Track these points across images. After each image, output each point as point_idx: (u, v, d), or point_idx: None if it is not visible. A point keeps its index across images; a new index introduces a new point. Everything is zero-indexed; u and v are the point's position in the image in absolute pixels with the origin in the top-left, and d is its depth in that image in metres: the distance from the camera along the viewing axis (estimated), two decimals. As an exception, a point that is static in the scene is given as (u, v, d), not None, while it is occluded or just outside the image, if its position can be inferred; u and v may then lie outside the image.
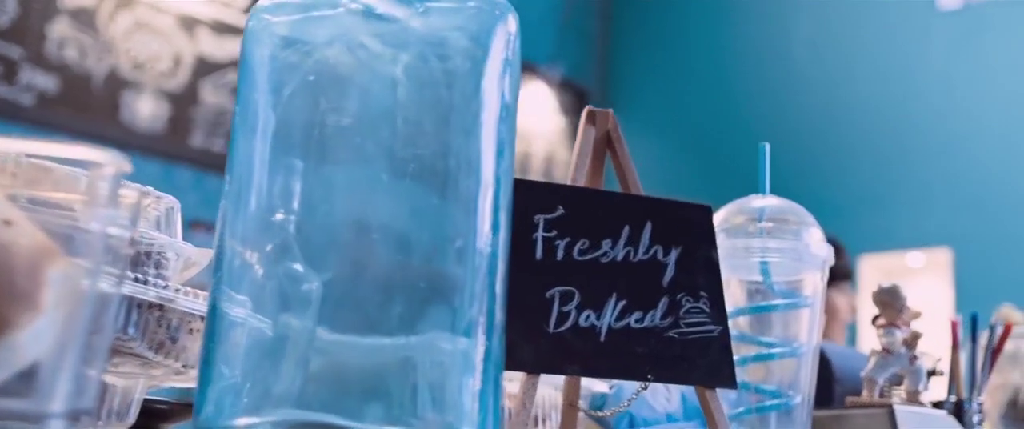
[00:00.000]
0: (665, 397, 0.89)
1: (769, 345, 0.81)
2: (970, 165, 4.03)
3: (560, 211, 0.71)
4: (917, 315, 0.95)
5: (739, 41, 4.87)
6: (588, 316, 0.68)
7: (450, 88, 0.56)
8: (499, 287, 0.56)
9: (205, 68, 3.85)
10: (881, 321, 0.93)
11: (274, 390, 0.54)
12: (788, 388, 0.81)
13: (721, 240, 0.82)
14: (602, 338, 0.68)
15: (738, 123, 4.74)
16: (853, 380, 1.23)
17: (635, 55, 5.13)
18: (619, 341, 0.68)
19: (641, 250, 0.72)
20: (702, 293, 0.72)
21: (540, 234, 0.70)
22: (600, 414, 0.75)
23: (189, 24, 3.84)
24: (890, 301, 0.91)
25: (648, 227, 0.73)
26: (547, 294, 0.68)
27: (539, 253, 0.69)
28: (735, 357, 0.80)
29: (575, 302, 0.68)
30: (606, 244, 0.71)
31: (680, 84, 4.94)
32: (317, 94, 0.57)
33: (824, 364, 1.17)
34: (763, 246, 0.81)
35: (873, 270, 4.20)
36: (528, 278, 0.68)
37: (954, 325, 1.13)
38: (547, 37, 4.89)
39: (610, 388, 0.87)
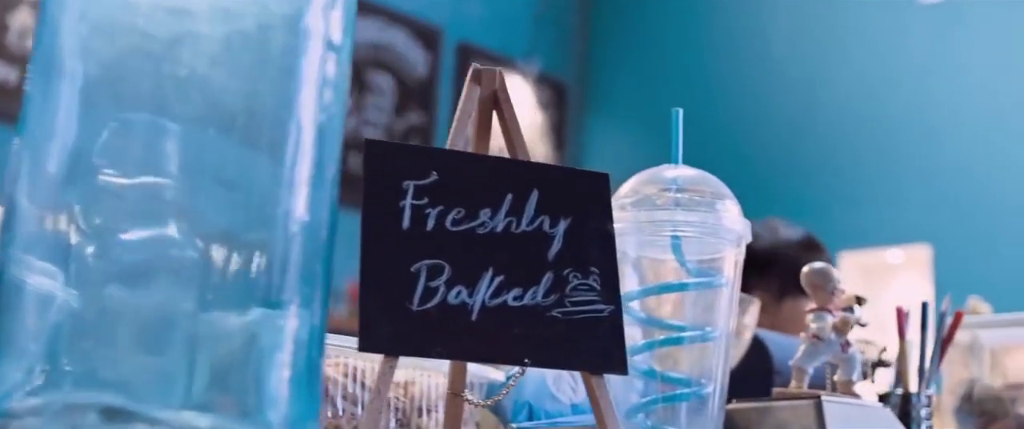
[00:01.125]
0: (570, 386, 0.82)
1: (679, 329, 0.74)
2: (949, 161, 3.97)
3: (433, 177, 0.64)
4: (853, 300, 0.88)
5: (718, 36, 4.80)
6: (459, 293, 0.61)
7: (263, 26, 0.49)
8: (321, 255, 0.49)
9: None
10: (811, 305, 0.85)
11: (62, 368, 0.47)
12: (700, 376, 0.73)
13: (628, 213, 0.75)
14: (474, 317, 0.61)
15: (717, 119, 4.67)
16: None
17: (614, 50, 5.06)
18: (493, 321, 0.61)
19: (525, 221, 0.65)
20: (593, 269, 0.65)
21: (409, 202, 0.63)
22: (483, 403, 0.67)
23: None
24: (821, 284, 0.84)
25: (534, 196, 0.66)
26: (412, 268, 0.61)
27: (406, 222, 0.62)
28: (641, 342, 0.73)
29: (445, 277, 0.61)
30: (484, 214, 0.64)
31: (659, 79, 4.87)
32: (120, 37, 0.49)
33: (762, 353, 1.10)
34: (674, 219, 0.74)
35: (852, 267, 4.14)
36: (391, 250, 0.61)
37: (900, 313, 1.06)
38: (524, 32, 4.82)
39: (507, 376, 0.80)
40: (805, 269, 0.85)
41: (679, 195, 0.75)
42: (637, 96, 4.96)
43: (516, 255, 0.63)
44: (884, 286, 4.03)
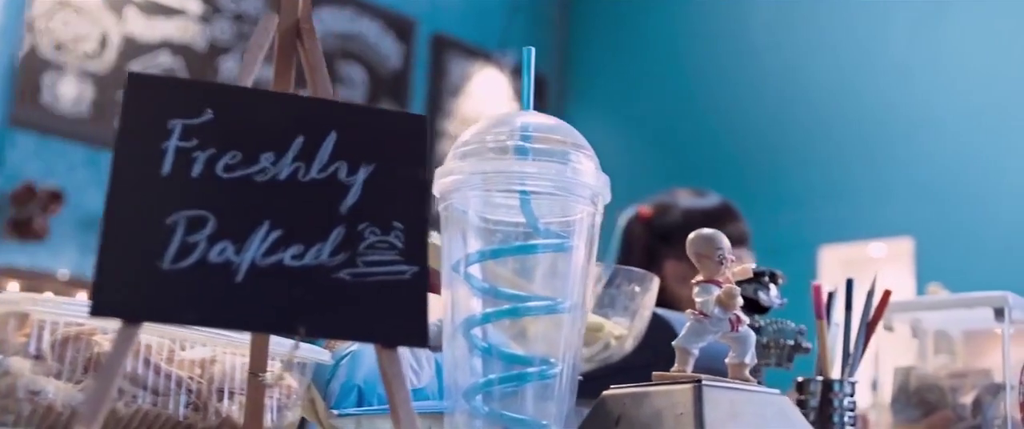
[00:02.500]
0: (413, 368, 0.72)
1: (523, 299, 0.64)
2: (931, 153, 3.87)
3: (207, 116, 0.54)
4: (747, 272, 0.78)
5: (698, 28, 4.70)
6: (223, 250, 0.51)
7: None
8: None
9: (134, 49, 3.67)
10: (697, 277, 0.75)
11: None
12: (547, 354, 0.64)
13: (468, 164, 0.65)
14: (239, 278, 0.51)
15: (697, 111, 4.57)
16: (707, 356, 1.06)
17: (594, 42, 4.96)
18: (264, 283, 0.51)
19: (316, 167, 0.55)
20: (396, 224, 0.55)
21: (173, 143, 0.53)
22: (272, 383, 0.58)
23: (117, 4, 3.66)
24: (706, 252, 0.74)
25: (331, 139, 0.56)
26: (168, 220, 0.51)
27: (167, 167, 0.52)
28: (478, 312, 0.64)
29: (207, 231, 0.51)
30: (266, 159, 0.54)
31: (639, 71, 4.78)
32: None
33: (664, 335, 0.99)
34: (522, 171, 0.64)
35: (834, 261, 4.03)
36: (145, 199, 0.52)
37: (818, 292, 0.96)
38: (501, 23, 4.72)
39: (332, 355, 0.70)
40: (690, 236, 0.75)
41: (527, 144, 0.65)
42: (618, 88, 4.86)
43: (301, 207, 0.54)
44: (866, 280, 3.93)
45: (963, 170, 3.79)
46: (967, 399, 1.08)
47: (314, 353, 0.67)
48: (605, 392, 0.77)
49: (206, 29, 3.85)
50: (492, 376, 0.63)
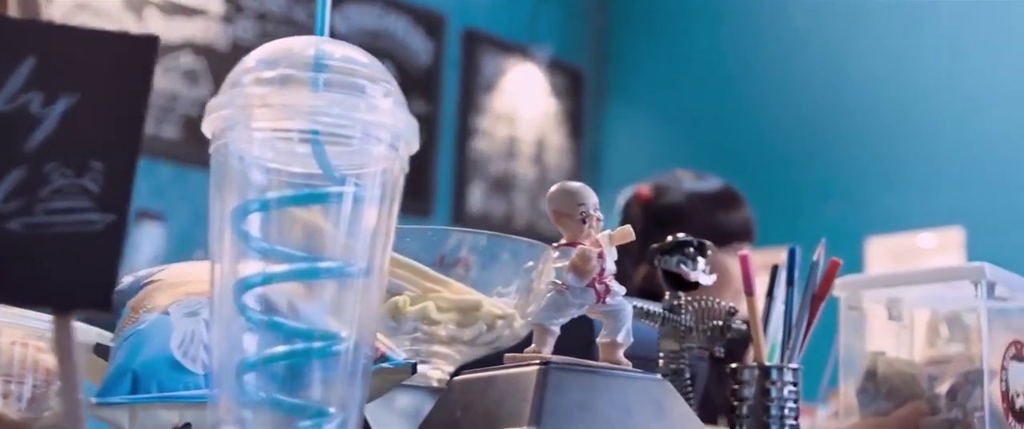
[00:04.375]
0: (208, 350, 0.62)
1: (305, 260, 0.53)
2: (983, 139, 3.66)
3: None
4: (627, 234, 0.66)
5: (739, 14, 4.54)
6: None
7: None
8: None
9: (155, 51, 3.63)
10: (560, 242, 0.64)
11: None
12: (332, 327, 0.53)
13: (244, 96, 0.55)
14: None
15: (739, 100, 4.41)
16: (640, 343, 0.95)
17: (632, 33, 4.82)
18: (-99, 234, 0.42)
19: (3, 98, 0.45)
20: (95, 165, 0.45)
21: None
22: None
23: (137, 5, 3.63)
24: (566, 210, 0.63)
25: (27, 65, 0.46)
26: None
27: None
28: (252, 275, 0.53)
29: None
30: (-66, 87, 0.44)
31: (679, 62, 4.63)
32: None
33: (582, 319, 0.88)
34: (312, 106, 0.54)
35: (882, 253, 3.84)
36: None
37: (745, 261, 0.84)
38: (534, 16, 4.61)
39: (122, 334, 0.60)
40: (549, 191, 0.64)
41: (321, 75, 0.54)
42: (658, 80, 4.72)
43: (-32, 143, 0.44)
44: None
45: (1018, 156, 3.58)
46: (944, 388, 0.94)
47: (82, 331, 0.57)
48: (455, 378, 0.67)
49: (229, 29, 3.80)
50: (266, 352, 0.52)
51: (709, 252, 0.84)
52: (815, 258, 0.86)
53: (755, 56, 4.42)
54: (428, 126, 4.28)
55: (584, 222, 0.63)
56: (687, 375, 0.83)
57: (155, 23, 3.65)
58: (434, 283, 0.78)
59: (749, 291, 0.83)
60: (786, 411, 0.84)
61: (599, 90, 4.86)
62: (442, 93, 4.35)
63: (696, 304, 0.83)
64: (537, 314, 0.63)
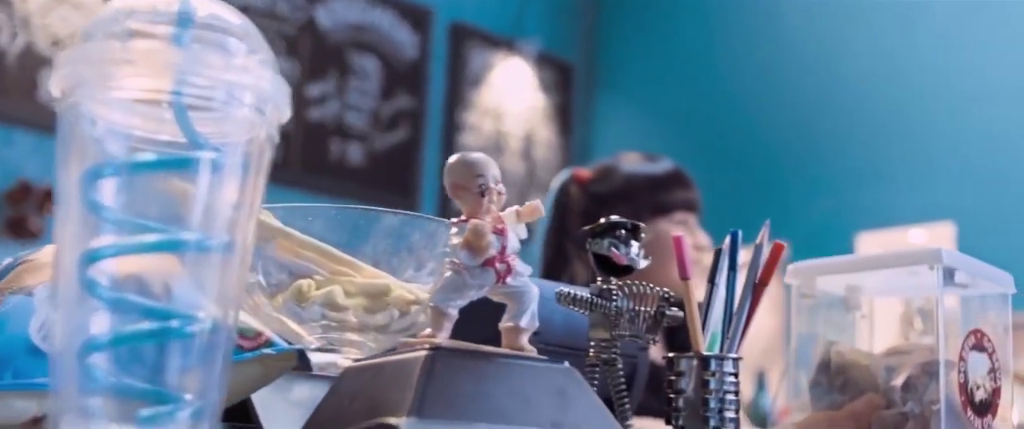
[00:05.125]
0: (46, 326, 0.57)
1: (156, 231, 0.48)
2: (975, 133, 3.61)
3: None
4: (538, 210, 0.61)
5: (730, 8, 4.48)
6: None
7: None
8: None
9: (135, 44, 3.58)
10: (458, 218, 0.59)
11: None
12: (188, 307, 0.48)
13: (96, 51, 0.50)
14: None
15: (729, 97, 4.36)
16: (567, 327, 0.90)
17: (622, 28, 4.77)
18: None
19: None
20: None
21: None
22: None
23: (117, -2, 3.58)
24: (463, 182, 0.58)
25: None
26: None
27: None
28: (98, 247, 0.48)
29: None
30: None
31: (670, 57, 4.58)
32: None
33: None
34: (174, 63, 0.49)
35: (872, 248, 3.79)
36: None
37: (679, 243, 0.78)
38: (522, 10, 4.56)
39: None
40: (448, 161, 0.59)
41: (184, 30, 0.49)
42: (648, 74, 4.67)
43: None
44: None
45: (1009, 151, 3.52)
46: (899, 380, 0.89)
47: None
48: (348, 366, 0.62)
49: (211, 22, 3.75)
50: (112, 333, 0.47)
51: (643, 235, 0.79)
52: (758, 241, 0.81)
53: (746, 51, 4.37)
54: (414, 121, 4.23)
55: (483, 195, 0.57)
56: (619, 366, 0.78)
57: (135, 16, 3.60)
58: (344, 266, 0.73)
59: (684, 275, 0.78)
60: (726, 404, 0.78)
61: (589, 85, 4.81)
62: (428, 88, 4.30)
63: (628, 289, 0.78)
64: (433, 296, 0.58)
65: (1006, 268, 3.06)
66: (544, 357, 0.58)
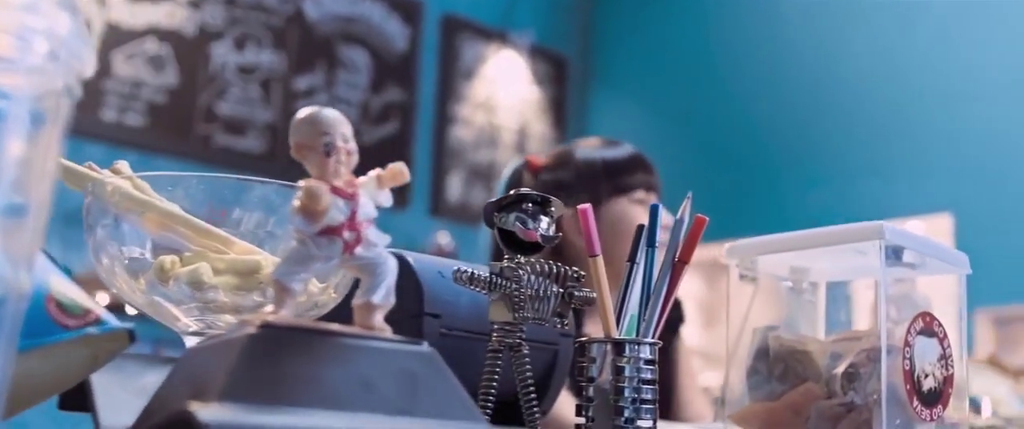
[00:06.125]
0: None
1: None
2: (972, 125, 3.53)
3: None
4: (402, 174, 0.55)
5: (726, 3, 4.41)
6: None
7: None
8: None
9: (118, 36, 3.54)
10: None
11: None
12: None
13: None
14: None
15: (725, 90, 4.29)
16: (475, 310, 0.84)
17: (618, 21, 4.70)
18: None
19: None
20: None
21: None
22: None
23: (101, -10, 3.54)
24: (308, 141, 0.51)
25: None
26: None
27: None
28: None
29: None
30: None
31: (666, 50, 4.50)
32: None
33: (411, 284, 0.76)
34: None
35: (869, 243, 3.71)
36: None
37: (584, 214, 0.72)
38: (516, 2, 4.49)
39: None
40: (293, 119, 0.53)
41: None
42: (644, 68, 4.59)
43: None
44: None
45: (1006, 143, 3.44)
46: (841, 368, 0.82)
47: None
48: (190, 346, 0.55)
49: (196, 14, 3.70)
50: None
51: (553, 209, 0.72)
52: (679, 215, 0.74)
53: (744, 45, 4.29)
54: (404, 114, 4.17)
55: (328, 155, 0.51)
56: (525, 351, 0.71)
57: (118, 8, 3.55)
58: (216, 241, 0.67)
59: (591, 251, 0.72)
60: (642, 392, 0.72)
61: (584, 78, 4.74)
62: (419, 80, 4.24)
63: (533, 267, 0.71)
64: (276, 268, 0.52)
65: (1004, 259, 3.04)
66: (399, 338, 0.52)
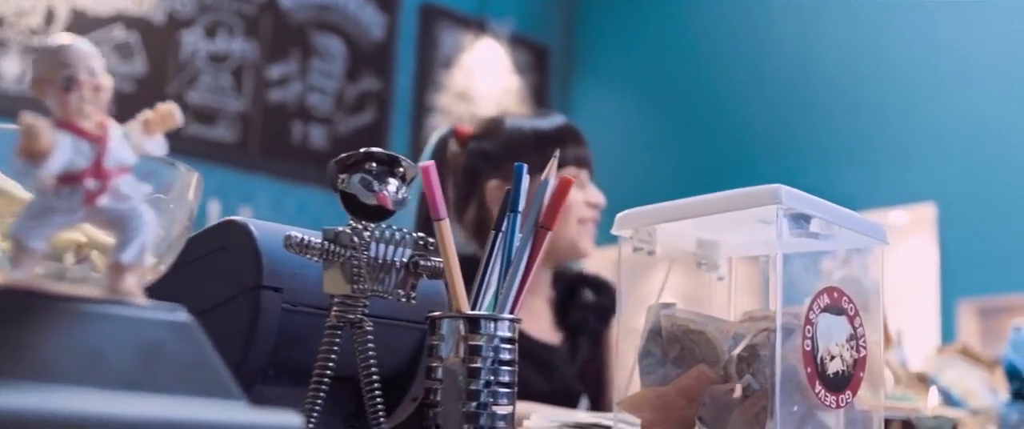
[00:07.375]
0: None
1: None
2: (955, 113, 3.45)
3: None
4: (171, 118, 0.47)
5: (710, -15, 4.33)
6: None
7: None
8: None
9: (84, 24, 3.46)
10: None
11: None
12: None
13: None
14: None
15: (707, 79, 4.21)
16: (303, 279, 0.76)
17: (599, 9, 4.62)
18: None
19: None
20: None
21: None
22: None
23: (65, -25, 3.46)
24: (48, 75, 0.44)
25: None
26: None
27: None
28: None
29: None
30: None
31: (647, 38, 4.42)
32: None
33: (249, 253, 0.69)
34: None
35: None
36: None
37: (427, 172, 0.64)
38: (496, -12, 4.41)
39: None
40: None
41: None
42: (626, 58, 4.51)
43: None
44: (889, 250, 3.52)
45: (990, 129, 3.36)
46: (738, 350, 0.75)
47: None
48: None
49: (165, 1, 3.62)
50: None
51: (402, 169, 0.65)
52: (544, 175, 0.67)
53: (725, 33, 4.21)
54: (380, 103, 4.10)
55: (68, 90, 0.44)
56: (369, 328, 0.64)
57: (84, -6, 3.48)
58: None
59: (436, 215, 0.64)
60: (499, 375, 0.65)
61: (566, 67, 4.66)
62: (396, 70, 4.16)
63: (377, 234, 0.64)
64: (14, 225, 0.44)
65: (987, 247, 2.93)
66: (151, 304, 0.45)
